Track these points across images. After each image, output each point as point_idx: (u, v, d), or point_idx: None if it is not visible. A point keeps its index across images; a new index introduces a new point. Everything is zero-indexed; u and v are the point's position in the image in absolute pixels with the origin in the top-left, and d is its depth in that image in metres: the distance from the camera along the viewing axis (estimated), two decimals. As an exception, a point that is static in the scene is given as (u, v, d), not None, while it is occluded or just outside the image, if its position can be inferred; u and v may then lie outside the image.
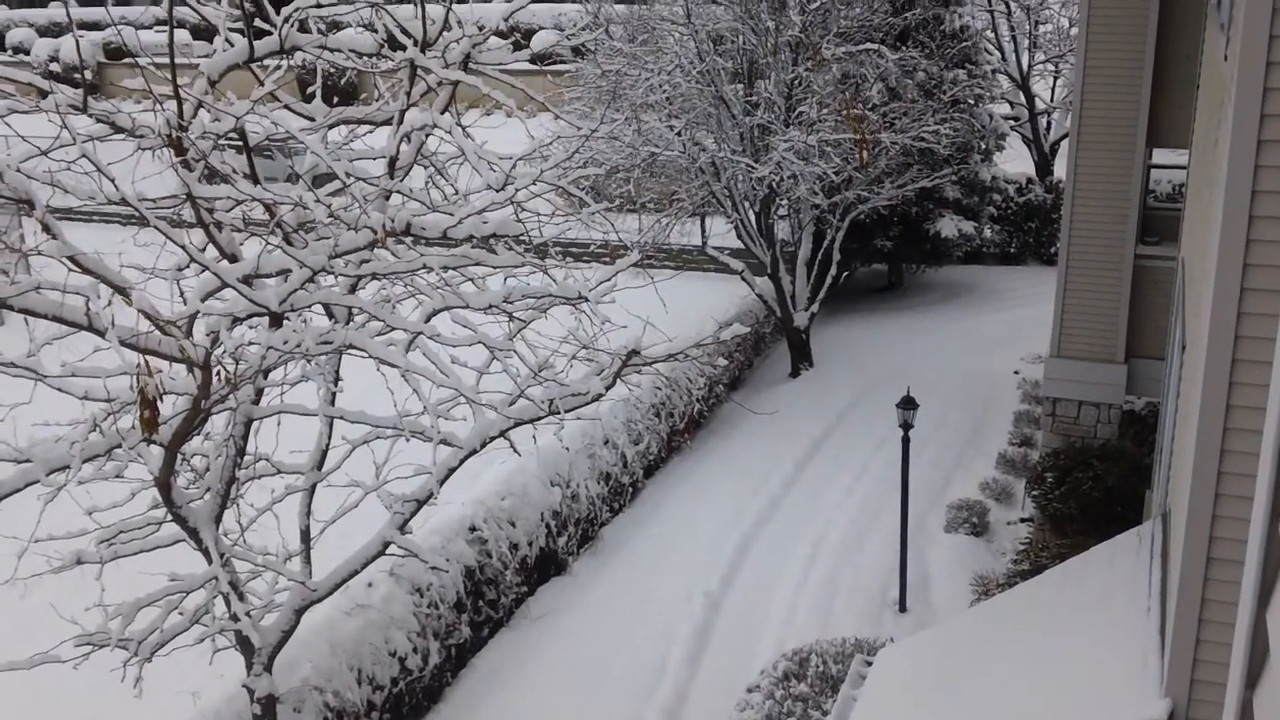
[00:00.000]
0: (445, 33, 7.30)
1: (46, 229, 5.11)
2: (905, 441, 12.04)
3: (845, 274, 20.99)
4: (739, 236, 19.52)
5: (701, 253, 21.80)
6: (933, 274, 25.08)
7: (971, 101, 21.69)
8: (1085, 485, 12.13)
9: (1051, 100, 28.80)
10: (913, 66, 19.71)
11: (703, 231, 21.95)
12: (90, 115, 6.16)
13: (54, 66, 48.63)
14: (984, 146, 22.98)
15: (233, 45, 6.75)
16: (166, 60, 5.98)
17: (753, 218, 19.30)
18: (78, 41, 6.15)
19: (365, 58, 7.34)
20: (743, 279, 19.77)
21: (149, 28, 51.06)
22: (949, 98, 20.35)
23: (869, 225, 21.64)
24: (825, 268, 20.12)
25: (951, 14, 21.53)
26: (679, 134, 17.34)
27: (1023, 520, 13.77)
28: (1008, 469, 15.28)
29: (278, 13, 6.88)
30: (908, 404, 11.93)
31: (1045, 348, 14.00)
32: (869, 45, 18.00)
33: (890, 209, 20.56)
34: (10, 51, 56.09)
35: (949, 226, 22.49)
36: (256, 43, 6.59)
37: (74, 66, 44.99)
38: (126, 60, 48.24)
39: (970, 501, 14.15)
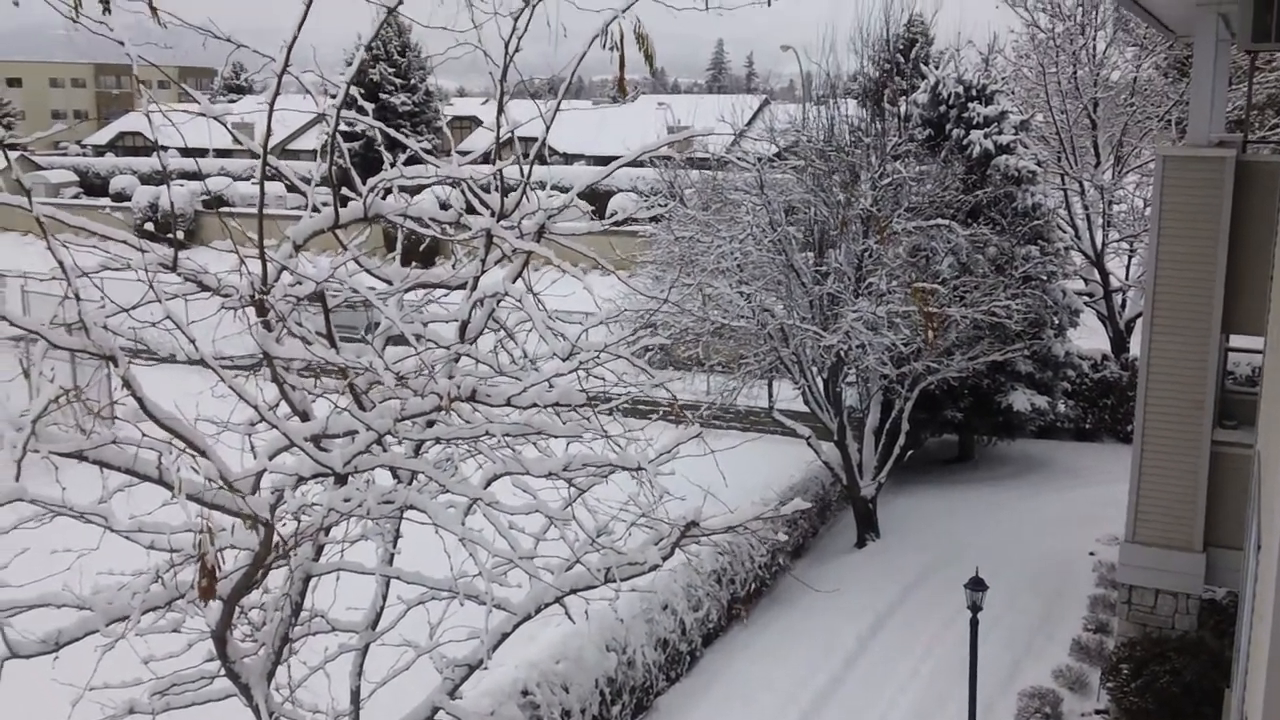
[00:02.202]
0: (524, 202, 7.56)
1: (127, 385, 5.29)
2: (974, 624, 11.66)
3: (914, 444, 20.76)
4: (806, 402, 19.49)
5: (768, 415, 21.79)
6: (1005, 447, 24.69)
7: (1044, 278, 21.73)
8: (1162, 679, 11.59)
9: (1126, 278, 28.74)
10: (984, 242, 19.90)
11: (770, 395, 22.00)
12: (179, 274, 6.43)
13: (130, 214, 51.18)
14: (1057, 322, 22.89)
15: (319, 211, 7.05)
16: (269, 210, 6.28)
17: (820, 384, 19.31)
18: (169, 188, 6.48)
19: (444, 226, 7.61)
20: (809, 445, 19.65)
21: (246, 179, 53.60)
22: (1021, 273, 20.43)
23: (939, 395, 21.50)
24: (894, 437, 19.94)
25: (1024, 192, 21.81)
26: (748, 299, 17.58)
27: (1098, 713, 13.13)
28: (1082, 656, 14.65)
29: (364, 181, 7.20)
30: (977, 585, 11.60)
31: (1122, 529, 13.60)
32: (940, 221, 18.25)
33: (961, 380, 20.45)
34: (113, 198, 59.30)
35: (1021, 400, 22.24)
36: (342, 209, 6.87)
37: (174, 213, 47.28)
38: (223, 209, 50.63)
39: (1043, 690, 13.54)
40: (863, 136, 20.19)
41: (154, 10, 4.72)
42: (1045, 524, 20.09)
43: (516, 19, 6.17)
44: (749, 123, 38.68)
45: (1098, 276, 27.56)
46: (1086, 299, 26.83)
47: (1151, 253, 12.30)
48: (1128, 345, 27.19)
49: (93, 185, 65.03)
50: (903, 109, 23.07)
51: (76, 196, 62.90)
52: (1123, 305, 28.35)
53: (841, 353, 18.23)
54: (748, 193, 18.79)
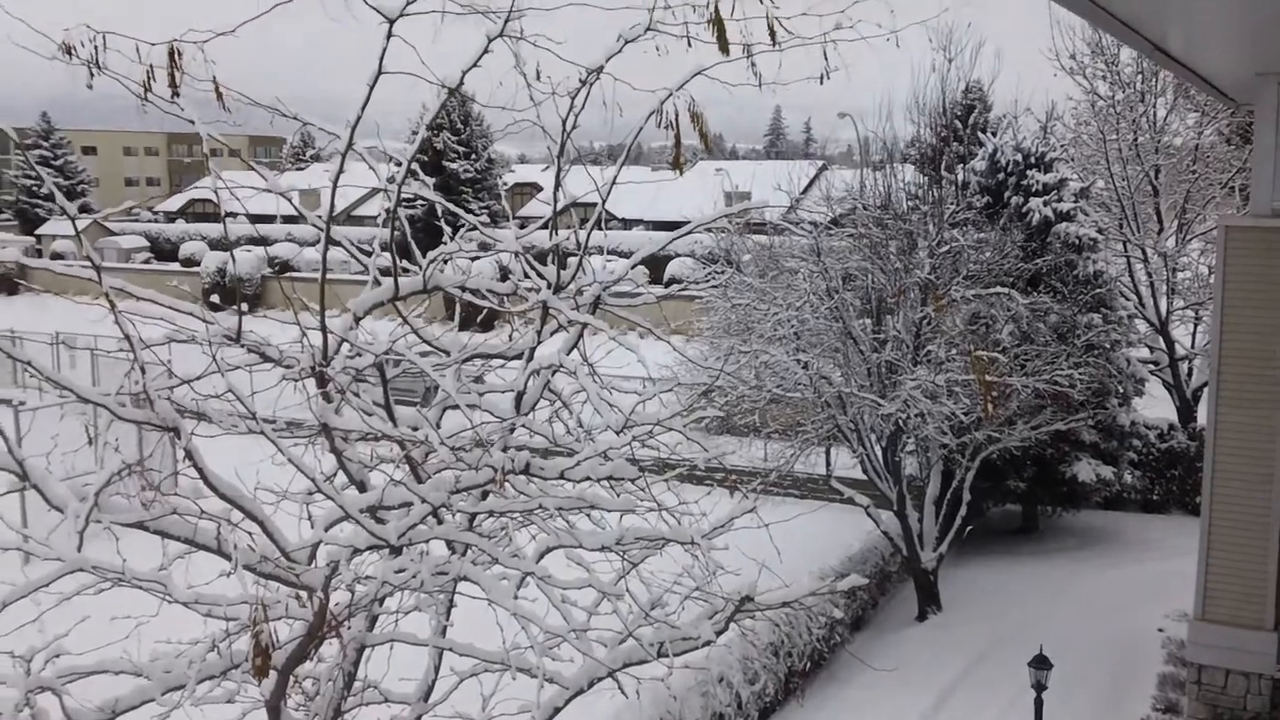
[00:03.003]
0: (580, 273, 7.63)
1: (189, 456, 5.38)
2: (1038, 704, 11.34)
3: (976, 515, 20.40)
4: (864, 470, 19.27)
5: (826, 483, 21.57)
6: (1070, 518, 24.16)
7: (1107, 346, 21.39)
8: (1238, 765, 11.16)
9: (1192, 346, 28.18)
10: (1045, 310, 19.67)
11: (828, 462, 21.80)
12: (243, 345, 6.56)
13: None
14: (1122, 391, 22.48)
15: (380, 283, 7.17)
16: (334, 274, 6.41)
17: (879, 452, 19.09)
18: (232, 254, 6.63)
19: (502, 297, 7.69)
20: (868, 514, 19.38)
21: (313, 244, 54.75)
22: (1083, 342, 20.14)
23: (1001, 465, 21.14)
24: (955, 507, 19.62)
25: (1085, 259, 21.57)
26: (805, 367, 17.50)
27: (1170, 799, 12.66)
28: (1152, 738, 14.16)
29: (425, 251, 7.32)
30: (1041, 663, 11.30)
31: (1191, 605, 13.19)
32: (999, 289, 18.09)
33: (1023, 450, 20.10)
34: (183, 263, 60.86)
35: (1086, 471, 21.80)
36: (402, 282, 6.98)
37: (239, 279, 48.39)
38: (288, 274, 51.75)
39: (1111, 773, 13.10)
40: (920, 204, 20.16)
41: (219, 95, 4.87)
42: (1112, 599, 19.55)
43: (573, 98, 6.28)
44: (805, 189, 38.86)
45: (1163, 344, 27.05)
46: (1152, 367, 26.33)
47: (1215, 322, 12.07)
48: (1195, 414, 26.57)
49: (163, 250, 66.82)
50: (960, 176, 23.02)
51: (147, 261, 64.66)
52: (1189, 374, 27.75)
53: (900, 421, 18.03)
54: (804, 259, 18.80)
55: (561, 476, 6.09)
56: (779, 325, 17.86)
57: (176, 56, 4.60)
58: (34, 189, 79.92)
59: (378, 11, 5.39)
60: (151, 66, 4.63)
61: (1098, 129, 26.79)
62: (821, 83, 6.06)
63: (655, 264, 51.08)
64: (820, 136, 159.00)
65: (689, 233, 7.79)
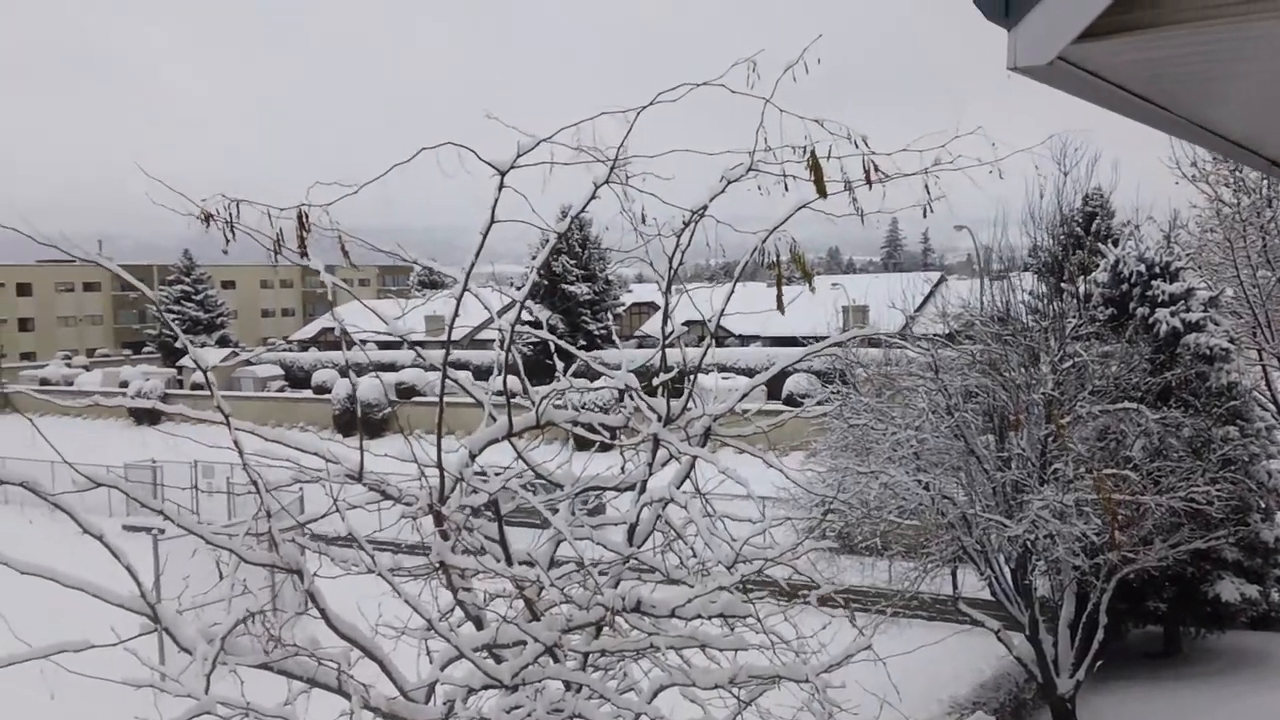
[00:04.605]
0: (691, 404, 7.70)
1: (312, 598, 5.54)
2: None
3: (1114, 638, 19.42)
4: (993, 592, 18.60)
5: (953, 605, 20.83)
6: (1215, 640, 22.79)
7: (1246, 459, 20.42)
8: None
9: (1340, 457, 26.68)
10: (1177, 424, 18.95)
11: (954, 585, 21.09)
12: (364, 484, 6.77)
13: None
14: (1264, 505, 21.34)
15: (495, 420, 7.36)
16: (452, 398, 6.63)
17: (1008, 574, 18.42)
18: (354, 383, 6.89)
19: (613, 430, 7.80)
20: (999, 638, 18.62)
21: (437, 370, 56.28)
22: (1220, 456, 19.27)
23: (1139, 585, 20.16)
24: (1091, 630, 18.71)
25: (1217, 370, 20.78)
26: (926, 487, 17.13)
27: None
28: None
29: (545, 377, 7.53)
30: (1191, 805, 10.57)
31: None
32: (1127, 404, 17.53)
33: (1162, 570, 19.16)
34: (315, 390, 63.12)
35: (1229, 590, 20.62)
36: (515, 419, 7.15)
37: (370, 404, 49.88)
38: (414, 400, 53.19)
39: None
40: (1040, 319, 19.80)
41: (345, 252, 5.16)
42: (1269, 731, 18.26)
43: (678, 236, 6.45)
44: (923, 303, 38.50)
45: (1308, 455, 25.69)
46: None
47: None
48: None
49: (296, 378, 69.48)
50: (1082, 288, 22.56)
51: (282, 389, 67.24)
52: (1340, 486, 26.21)
53: (1029, 542, 17.41)
54: (921, 376, 18.55)
55: (673, 614, 6.06)
56: (898, 445, 17.57)
57: (304, 219, 4.90)
58: (177, 322, 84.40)
59: (490, 166, 5.66)
60: (281, 231, 4.95)
61: (1224, 235, 26.05)
62: (925, 215, 6.11)
63: (773, 379, 50.94)
64: (939, 246, 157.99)
65: (799, 361, 7.82)
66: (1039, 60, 3.15)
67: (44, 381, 76.61)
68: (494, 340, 7.66)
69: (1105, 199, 32.38)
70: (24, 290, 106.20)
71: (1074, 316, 19.77)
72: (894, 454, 17.54)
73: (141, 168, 5.37)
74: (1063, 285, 22.49)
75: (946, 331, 21.75)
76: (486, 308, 7.40)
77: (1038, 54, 3.14)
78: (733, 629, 6.95)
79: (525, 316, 7.26)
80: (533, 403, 7.33)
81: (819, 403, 21.22)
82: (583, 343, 62.76)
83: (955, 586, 20.90)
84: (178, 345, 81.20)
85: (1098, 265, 23.21)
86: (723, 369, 54.24)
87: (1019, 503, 17.26)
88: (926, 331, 22.49)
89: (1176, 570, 19.59)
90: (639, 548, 7.45)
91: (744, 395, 7.34)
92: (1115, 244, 23.98)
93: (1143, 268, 21.94)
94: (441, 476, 6.48)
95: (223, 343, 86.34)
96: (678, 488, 7.07)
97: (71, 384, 72.35)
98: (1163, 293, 21.45)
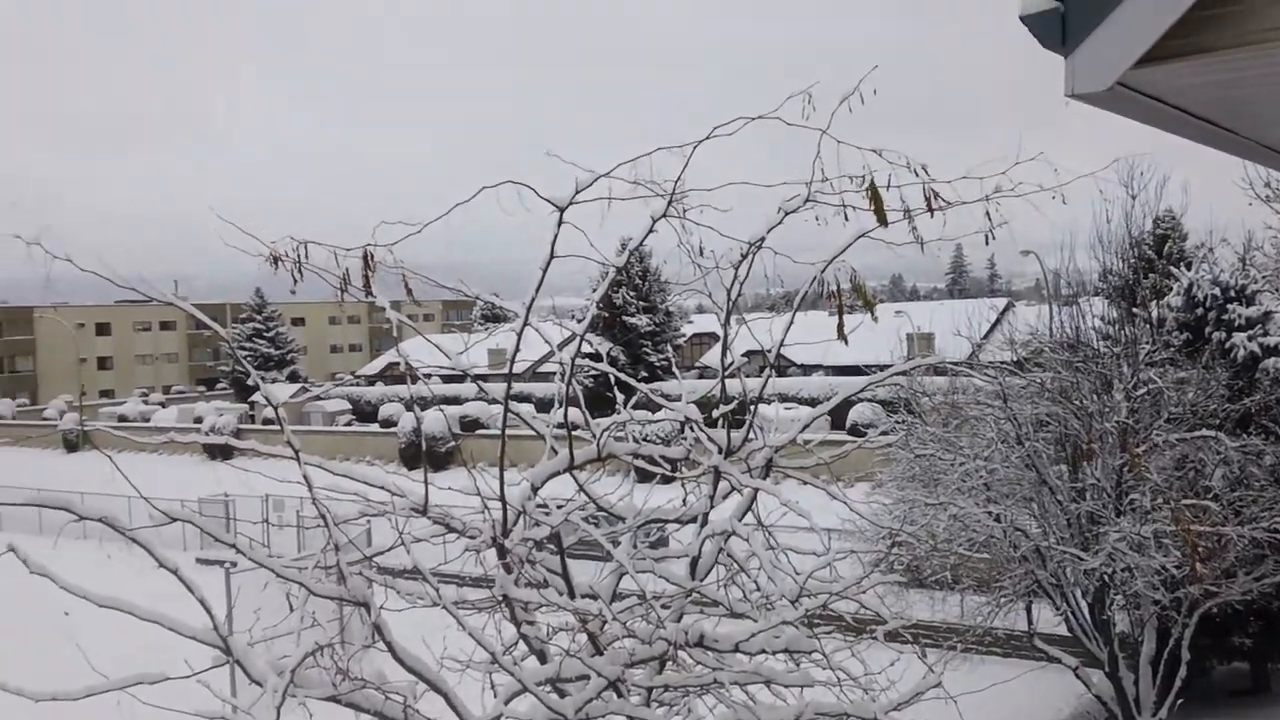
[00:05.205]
0: (752, 436, 7.67)
1: (378, 630, 5.60)
2: None
3: (1198, 675, 18.83)
4: (1069, 628, 18.18)
5: (1029, 641, 20.36)
6: (1305, 677, 22.02)
7: (1333, 488, 19.76)
8: None
9: None
10: (1258, 452, 18.41)
11: (1029, 619, 20.62)
12: (429, 518, 6.84)
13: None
14: (1354, 535, 20.61)
15: (557, 453, 7.40)
16: (514, 430, 6.68)
17: (1085, 609, 17.99)
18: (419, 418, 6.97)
19: (675, 463, 7.79)
20: (1077, 675, 18.19)
21: (499, 403, 56.73)
22: (1304, 484, 18.67)
23: (1223, 620, 19.55)
24: (1174, 666, 18.16)
25: (1300, 397, 20.19)
26: (997, 519, 16.82)
27: None
28: None
29: (605, 408, 7.56)
30: None
31: None
32: (1205, 432, 17.07)
33: (1246, 603, 18.57)
34: (382, 424, 63.93)
35: (1320, 625, 19.92)
36: (576, 452, 7.18)
37: (435, 437, 50.38)
38: (478, 433, 53.61)
39: None
40: (1112, 345, 19.41)
41: (408, 290, 5.25)
42: (1365, 771, 17.55)
43: (736, 268, 6.46)
44: (990, 329, 37.96)
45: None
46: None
47: None
48: None
49: (364, 412, 70.46)
50: (1155, 313, 22.10)
51: (349, 423, 68.21)
52: None
53: (1106, 576, 16.99)
54: (990, 405, 18.26)
55: (737, 649, 6.02)
56: (967, 476, 17.29)
57: (369, 259, 5.00)
58: (248, 359, 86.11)
59: (549, 203, 5.73)
60: (348, 270, 5.05)
61: (1302, 256, 25.41)
62: (987, 243, 6.05)
63: (836, 409, 50.53)
64: (1005, 272, 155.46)
65: (863, 391, 7.75)
66: (1098, 86, 3.12)
67: (122, 418, 78.59)
68: (555, 373, 7.72)
69: (1177, 221, 31.73)
70: (103, 330, 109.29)
71: (1147, 342, 19.35)
72: (963, 485, 17.25)
73: (216, 212, 5.54)
74: (1135, 310, 22.05)
75: (1015, 359, 21.41)
76: (547, 341, 7.45)
77: (1097, 80, 3.11)
78: (798, 665, 6.87)
79: (585, 349, 7.32)
80: (594, 435, 7.36)
81: (884, 432, 20.97)
82: (644, 374, 62.92)
83: (1030, 621, 20.42)
84: (250, 382, 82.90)
85: (1171, 289, 22.73)
86: (784, 399, 53.98)
87: (1095, 535, 16.86)
88: (994, 359, 22.15)
89: (1262, 604, 18.97)
90: (702, 581, 7.42)
91: (806, 426, 7.30)
92: (1188, 267, 23.44)
93: (1218, 291, 21.45)
94: (505, 510, 6.52)
95: (293, 378, 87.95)
96: (740, 520, 7.03)
97: (148, 420, 74.16)
98: (1239, 316, 20.94)
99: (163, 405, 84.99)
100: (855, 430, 46.33)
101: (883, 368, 8.56)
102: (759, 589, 7.87)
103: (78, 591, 5.42)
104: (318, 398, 70.83)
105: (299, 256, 5.04)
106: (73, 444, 73.05)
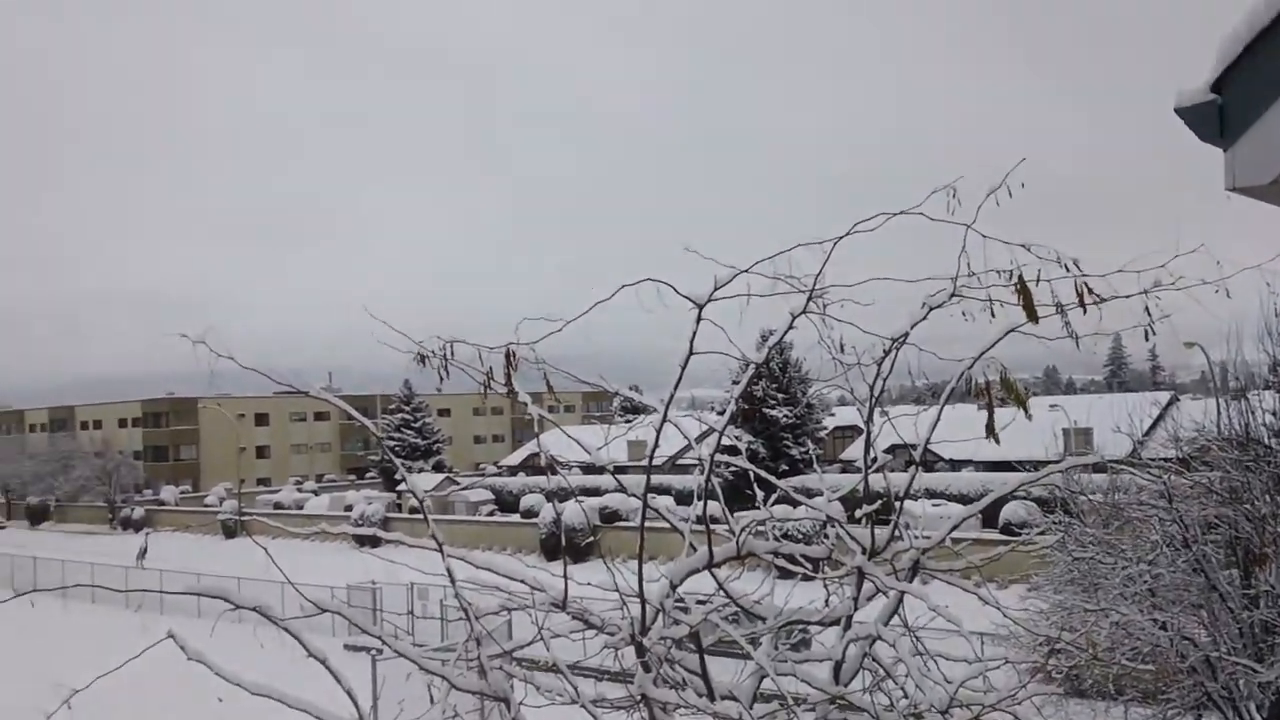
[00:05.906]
0: (897, 535, 7.45)
1: (515, 726, 5.59)
2: None
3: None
4: (1245, 746, 16.87)
5: (1200, 759, 19.00)
6: None
7: None
8: None
9: None
10: None
11: (1200, 735, 19.26)
12: (568, 613, 6.83)
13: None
14: None
15: (695, 549, 7.32)
16: (653, 523, 6.65)
17: (1261, 726, 16.71)
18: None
19: (817, 562, 7.63)
20: (1254, 799, 16.82)
21: (638, 496, 56.85)
22: None
23: None
24: (1365, 792, 16.64)
25: None
26: (1164, 627, 15.85)
27: None
28: None
29: (744, 502, 7.48)
30: None
31: None
32: (1393, 535, 15.85)
33: None
34: (523, 514, 64.72)
35: None
36: (716, 549, 7.09)
37: (574, 529, 50.66)
38: (617, 524, 53.66)
39: None
40: (1285, 441, 18.29)
41: (549, 388, 5.33)
42: None
43: (879, 364, 6.35)
44: (1153, 425, 36.20)
45: None
46: None
47: None
48: None
49: (506, 502, 71.49)
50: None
51: (492, 513, 69.27)
52: None
53: (1283, 690, 15.80)
54: (1154, 505, 17.35)
55: (881, 760, 5.77)
56: (1129, 580, 16.40)
57: (511, 356, 5.12)
58: (396, 449, 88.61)
59: (689, 300, 5.77)
60: (491, 367, 5.17)
61: None
62: (1146, 339, 5.81)
63: (988, 508, 48.83)
64: (1168, 364, 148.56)
65: (1017, 489, 7.48)
66: (1260, 180, 2.99)
67: (278, 505, 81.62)
68: (694, 465, 7.69)
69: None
70: (262, 420, 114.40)
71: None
72: (1125, 590, 16.35)
73: (368, 310, 5.78)
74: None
75: (1180, 456, 20.36)
76: (685, 436, 7.44)
77: (1258, 173, 2.98)
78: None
79: (725, 443, 7.26)
80: (733, 531, 7.27)
81: (1040, 533, 20.13)
82: (784, 467, 62.15)
83: (1201, 736, 19.10)
84: (396, 475, 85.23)
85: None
86: (932, 495, 52.44)
87: (1270, 645, 15.72)
88: (1157, 456, 21.12)
89: None
90: (846, 686, 7.18)
91: (956, 526, 7.06)
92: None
93: (1401, 385, 20.07)
94: (643, 606, 6.46)
95: (438, 468, 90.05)
96: (885, 624, 6.81)
97: (302, 508, 76.83)
98: None
99: (315, 493, 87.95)
100: (1008, 530, 44.58)
101: (1036, 464, 8.27)
102: (907, 696, 7.57)
103: (233, 679, 5.57)
104: (462, 488, 72.24)
105: (445, 354, 5.19)
106: (231, 530, 76.12)
